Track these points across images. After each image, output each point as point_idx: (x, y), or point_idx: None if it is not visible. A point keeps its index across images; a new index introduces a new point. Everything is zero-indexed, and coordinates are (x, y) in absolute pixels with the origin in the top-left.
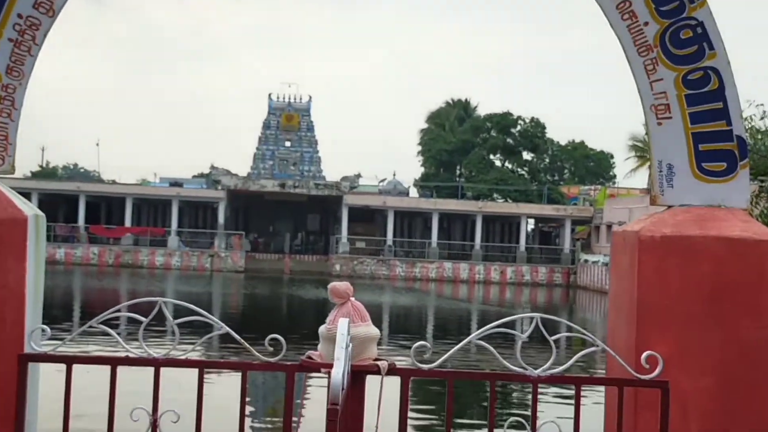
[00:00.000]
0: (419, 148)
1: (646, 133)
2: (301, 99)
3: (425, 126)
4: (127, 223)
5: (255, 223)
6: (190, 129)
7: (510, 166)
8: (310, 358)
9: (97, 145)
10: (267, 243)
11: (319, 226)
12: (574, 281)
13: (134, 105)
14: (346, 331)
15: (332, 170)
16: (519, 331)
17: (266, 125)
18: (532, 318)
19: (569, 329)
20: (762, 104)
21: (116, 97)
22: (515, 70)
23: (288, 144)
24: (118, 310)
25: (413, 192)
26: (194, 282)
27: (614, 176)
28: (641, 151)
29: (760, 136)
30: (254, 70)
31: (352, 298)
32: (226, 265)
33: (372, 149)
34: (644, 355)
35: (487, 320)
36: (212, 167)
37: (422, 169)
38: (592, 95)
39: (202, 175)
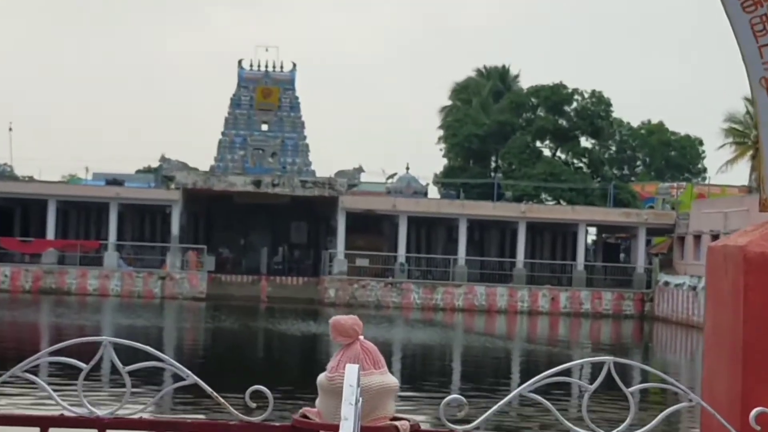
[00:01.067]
0: (441, 132)
1: (750, 114)
2: (282, 67)
3: (448, 103)
4: (50, 234)
5: (221, 234)
6: (135, 108)
7: (563, 157)
8: (305, 416)
9: (10, 130)
10: (237, 261)
11: (307, 237)
12: (650, 311)
13: (59, 76)
14: (355, 382)
15: (324, 163)
16: (577, 377)
17: (235, 102)
18: (598, 362)
19: (649, 377)
20: None
21: (34, 65)
22: (570, 28)
23: (264, 127)
24: (54, 353)
25: (433, 192)
26: (139, 313)
27: (704, 170)
28: (741, 136)
29: None
30: (220, 28)
31: (362, 337)
32: (182, 291)
33: (377, 135)
34: (754, 412)
35: (534, 364)
36: (163, 159)
37: (445, 161)
38: (675, 63)
39: (149, 170)
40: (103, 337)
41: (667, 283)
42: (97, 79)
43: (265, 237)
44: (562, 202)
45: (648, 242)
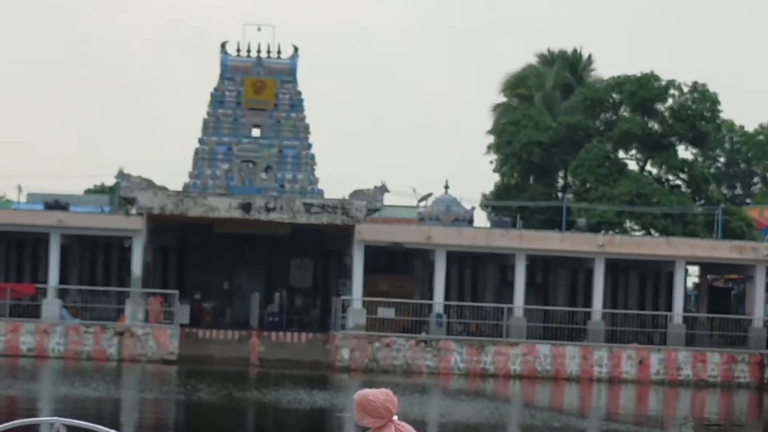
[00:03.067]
0: (491, 139)
1: None
2: (279, 53)
3: (501, 100)
4: None
5: (197, 276)
6: (82, 108)
7: (654, 171)
8: None
9: None
10: (219, 310)
11: (312, 280)
12: None
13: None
14: None
15: (335, 180)
16: None
17: (217, 99)
18: None
19: None
20: None
21: None
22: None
23: (256, 133)
24: None
25: (480, 218)
26: (88, 381)
27: None
28: None
29: None
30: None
31: (396, 418)
32: (145, 351)
33: (405, 142)
34: None
35: None
36: (120, 175)
37: (496, 178)
38: None
39: (102, 190)
40: (54, 418)
41: None
42: (29, 68)
43: (257, 279)
44: (653, 232)
45: None
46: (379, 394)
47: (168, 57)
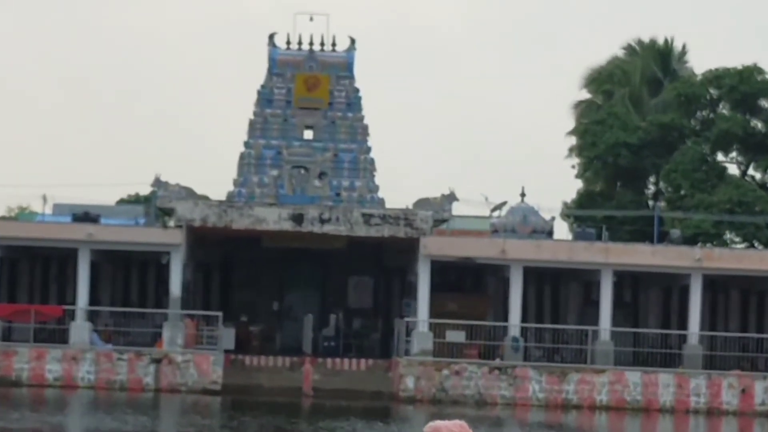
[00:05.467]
0: (572, 140)
1: None
2: (334, 45)
3: (583, 97)
4: None
5: (243, 295)
6: (114, 109)
7: (758, 176)
8: None
9: None
10: (268, 335)
11: (373, 300)
12: None
13: (9, 62)
14: None
15: (397, 187)
16: None
17: (265, 98)
18: None
19: None
20: None
21: None
22: None
23: (308, 135)
24: None
25: (562, 230)
26: (121, 414)
27: None
28: None
29: None
30: None
31: None
32: (185, 380)
33: (475, 144)
34: None
35: None
36: (157, 183)
37: (579, 184)
38: None
39: (137, 200)
40: None
41: None
42: (52, 65)
43: (310, 299)
44: (756, 244)
45: None
46: (453, 426)
47: (211, 51)
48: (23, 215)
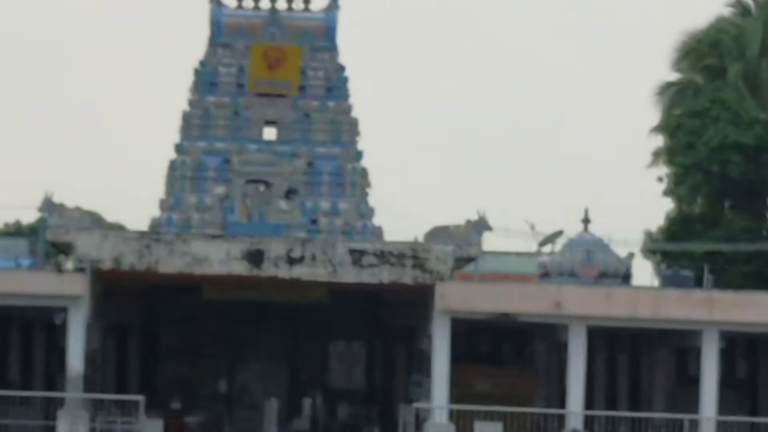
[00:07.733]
0: (657, 141)
1: None
2: (307, 1)
3: (670, 78)
4: None
5: (175, 371)
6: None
7: None
8: None
9: None
10: (212, 428)
11: (365, 375)
12: None
13: None
14: None
15: (400, 210)
16: None
17: (205, 79)
18: None
19: None
20: None
21: None
22: None
23: (270, 134)
24: None
25: (643, 271)
26: None
27: None
28: None
29: None
30: None
31: None
32: None
33: (511, 148)
34: None
35: None
36: (48, 205)
37: (668, 204)
38: None
39: (18, 231)
40: None
41: None
42: None
43: (274, 376)
44: None
45: None
46: None
47: (124, 14)
48: None
